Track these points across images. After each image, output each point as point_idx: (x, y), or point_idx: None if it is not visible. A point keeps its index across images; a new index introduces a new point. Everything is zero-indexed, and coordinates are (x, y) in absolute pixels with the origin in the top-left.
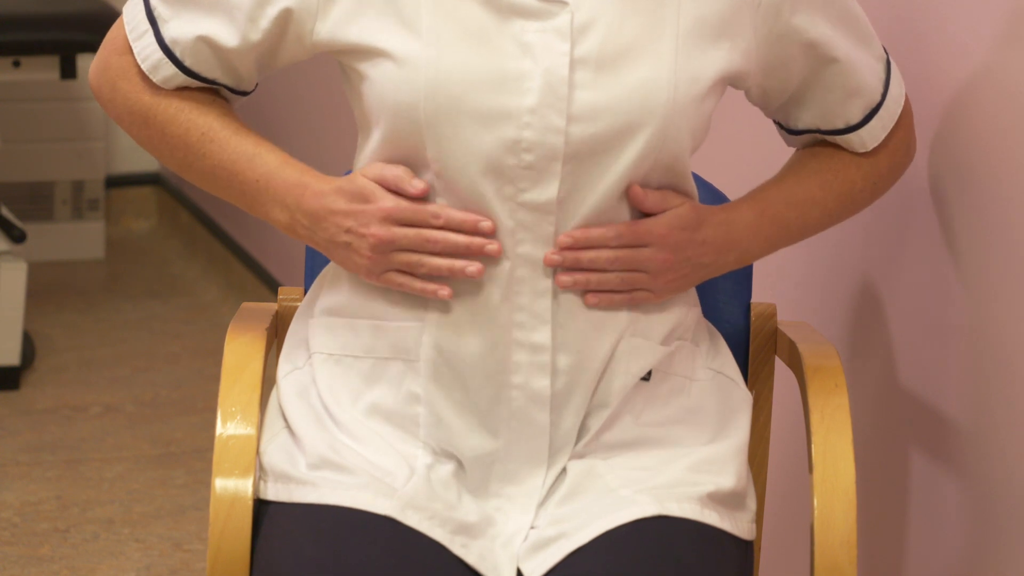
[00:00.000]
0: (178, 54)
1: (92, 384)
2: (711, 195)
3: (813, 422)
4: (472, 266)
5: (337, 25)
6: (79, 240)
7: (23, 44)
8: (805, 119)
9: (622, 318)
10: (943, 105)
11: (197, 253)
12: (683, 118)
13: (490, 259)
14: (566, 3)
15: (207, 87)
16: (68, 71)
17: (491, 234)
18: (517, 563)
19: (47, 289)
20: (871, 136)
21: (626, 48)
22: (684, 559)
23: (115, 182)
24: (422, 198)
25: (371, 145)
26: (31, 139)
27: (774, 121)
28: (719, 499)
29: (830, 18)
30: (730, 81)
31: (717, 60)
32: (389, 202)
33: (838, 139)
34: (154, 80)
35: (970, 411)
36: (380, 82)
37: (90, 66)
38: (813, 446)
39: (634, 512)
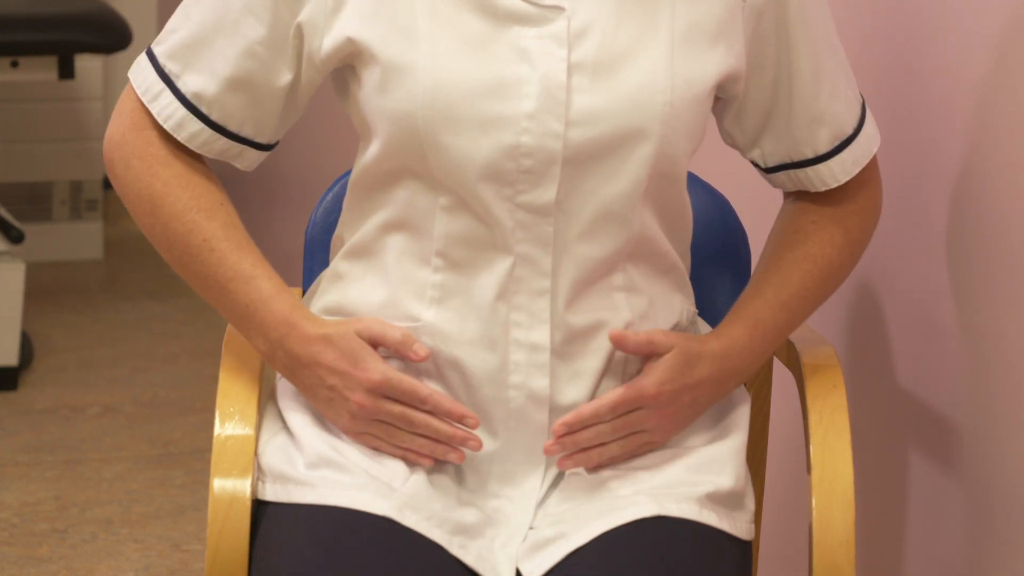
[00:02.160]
0: (204, 109)
1: (91, 384)
2: (711, 197)
3: (811, 422)
4: (453, 453)
5: (339, 35)
6: (77, 240)
7: (21, 44)
8: (776, 152)
9: (620, 323)
10: (940, 107)
11: None
12: (680, 121)
13: (490, 260)
14: (562, 8)
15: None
16: (66, 71)
17: (475, 428)
18: (516, 563)
19: (45, 289)
20: (842, 168)
21: (622, 52)
22: (683, 559)
23: None
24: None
25: (371, 152)
26: (29, 139)
27: (752, 163)
28: (718, 499)
29: (808, 33)
30: (724, 84)
31: (714, 63)
32: (378, 375)
33: (809, 172)
34: (179, 138)
35: (968, 411)
36: (378, 90)
37: (105, 134)
38: (811, 446)
39: (633, 513)
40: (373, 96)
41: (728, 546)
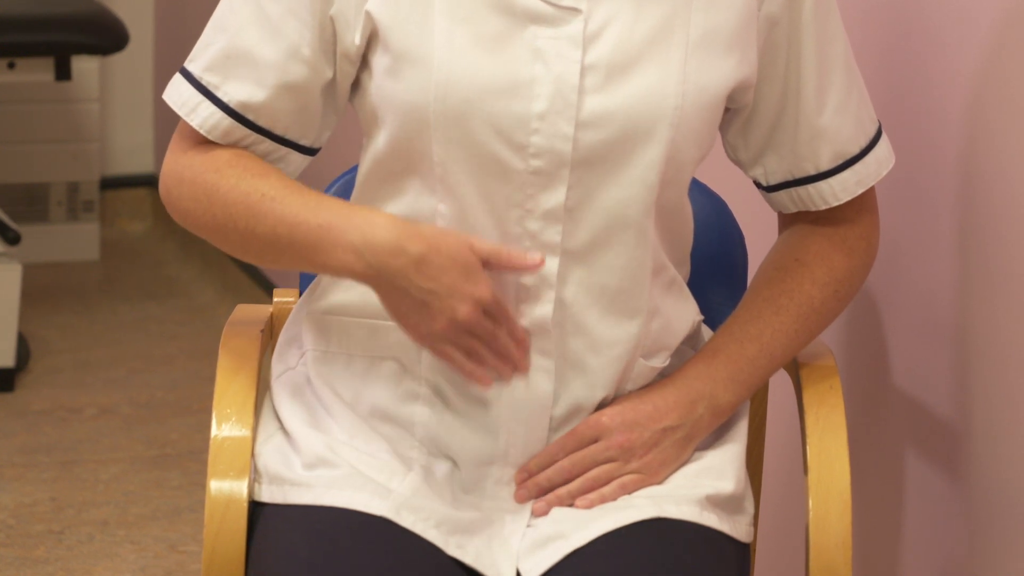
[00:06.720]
0: (251, 117)
1: (87, 385)
2: (707, 199)
3: (808, 424)
4: (508, 372)
5: (367, 24)
6: (74, 241)
7: (18, 46)
8: (778, 170)
9: (632, 336)
10: (936, 106)
11: (193, 255)
12: (689, 126)
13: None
14: (579, 11)
15: (269, 164)
16: (63, 73)
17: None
18: (516, 562)
19: (42, 291)
20: (843, 188)
21: (636, 55)
22: (683, 560)
23: (110, 183)
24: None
25: (376, 146)
26: (26, 140)
27: (755, 183)
28: (718, 502)
29: (818, 47)
30: (735, 94)
31: (727, 71)
32: (490, 293)
33: (810, 189)
34: (225, 144)
35: (965, 412)
36: (392, 81)
37: (159, 186)
38: (808, 448)
39: (633, 514)
40: (385, 83)
41: (728, 548)
